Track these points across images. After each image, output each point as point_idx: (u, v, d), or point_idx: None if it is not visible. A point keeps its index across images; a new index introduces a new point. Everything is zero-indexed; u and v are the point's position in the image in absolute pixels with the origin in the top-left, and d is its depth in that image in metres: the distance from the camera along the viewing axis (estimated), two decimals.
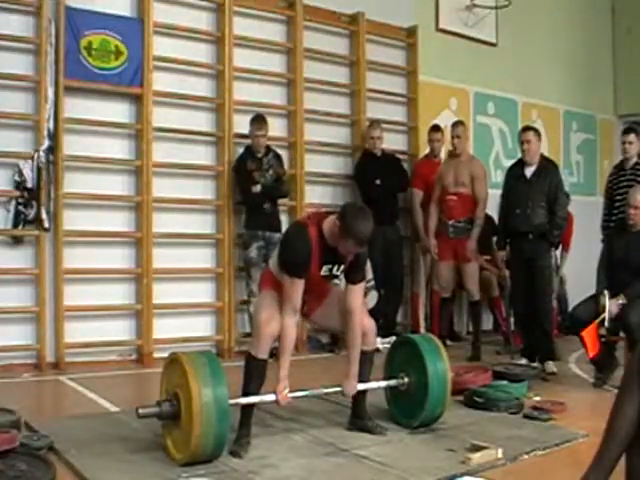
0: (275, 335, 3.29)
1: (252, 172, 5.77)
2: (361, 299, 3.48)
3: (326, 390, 3.50)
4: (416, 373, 3.60)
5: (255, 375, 3.29)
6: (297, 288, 3.25)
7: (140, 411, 3.02)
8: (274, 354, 3.39)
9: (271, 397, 3.28)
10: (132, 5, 5.71)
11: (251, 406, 3.30)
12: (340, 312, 3.47)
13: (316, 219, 3.34)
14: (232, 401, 3.10)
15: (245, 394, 3.28)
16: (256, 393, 3.29)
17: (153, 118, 5.66)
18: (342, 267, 3.36)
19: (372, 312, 5.70)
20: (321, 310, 3.57)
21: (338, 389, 3.48)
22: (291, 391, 3.32)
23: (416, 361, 3.60)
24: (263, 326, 3.27)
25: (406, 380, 3.64)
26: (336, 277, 3.41)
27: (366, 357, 3.52)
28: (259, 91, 6.26)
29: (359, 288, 3.44)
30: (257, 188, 5.74)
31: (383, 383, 3.70)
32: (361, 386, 3.50)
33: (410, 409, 3.62)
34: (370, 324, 3.52)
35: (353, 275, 3.40)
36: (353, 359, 3.46)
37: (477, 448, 3.12)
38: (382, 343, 6.19)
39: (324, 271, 3.32)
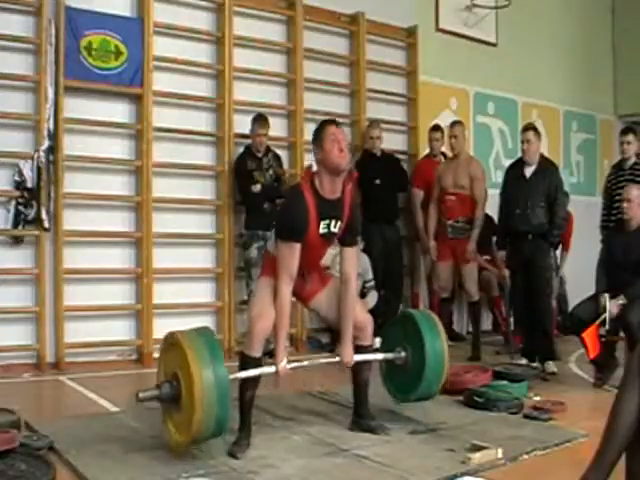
0: (267, 331, 3.27)
1: (252, 171, 5.78)
2: (355, 265, 3.48)
3: (324, 360, 3.47)
4: (414, 347, 3.60)
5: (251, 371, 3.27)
6: (294, 253, 3.22)
7: (140, 394, 3.01)
8: (273, 354, 3.38)
9: (271, 369, 3.26)
10: (132, 5, 5.71)
11: (249, 406, 3.29)
12: (338, 305, 3.46)
13: (308, 176, 3.34)
14: (232, 376, 3.09)
15: (242, 393, 3.27)
16: (253, 390, 3.27)
17: (153, 118, 5.66)
18: (339, 224, 3.33)
19: (372, 312, 5.73)
20: (321, 297, 3.53)
21: (336, 359, 3.45)
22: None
23: (414, 336, 3.60)
24: (254, 322, 3.27)
25: (403, 354, 3.64)
26: (334, 236, 3.36)
27: (363, 352, 3.52)
28: (259, 91, 6.25)
29: (353, 252, 3.46)
30: (257, 188, 5.74)
31: (380, 356, 3.72)
32: (358, 357, 3.49)
33: (407, 384, 3.63)
34: (367, 318, 3.53)
35: (348, 237, 3.42)
36: (346, 329, 3.44)
37: (477, 448, 3.12)
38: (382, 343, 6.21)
39: (322, 228, 3.29)
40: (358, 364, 3.53)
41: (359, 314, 3.50)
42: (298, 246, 3.24)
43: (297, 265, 3.26)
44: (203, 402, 2.86)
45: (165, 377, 3.10)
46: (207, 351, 2.96)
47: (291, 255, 3.23)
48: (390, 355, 3.68)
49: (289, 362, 3.33)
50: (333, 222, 3.32)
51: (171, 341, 3.10)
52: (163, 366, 3.16)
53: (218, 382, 2.91)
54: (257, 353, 3.28)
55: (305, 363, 3.47)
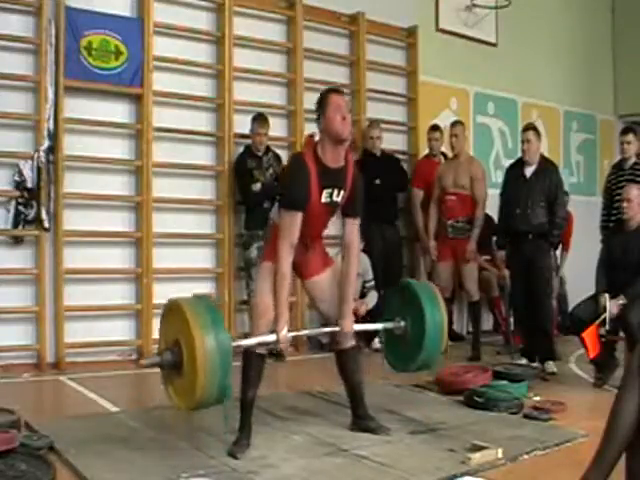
0: (271, 324, 3.27)
1: (252, 170, 5.78)
2: (357, 234, 3.48)
3: (325, 329, 3.44)
4: (413, 317, 3.60)
5: (254, 371, 3.28)
6: (296, 222, 3.21)
7: (143, 361, 3.01)
8: (273, 354, 3.38)
9: (272, 337, 3.23)
10: (132, 5, 5.71)
11: (250, 406, 3.29)
12: (332, 296, 3.46)
13: (310, 145, 3.34)
14: (234, 343, 3.09)
15: (244, 392, 3.26)
16: (255, 390, 3.27)
17: (153, 118, 5.66)
18: (342, 193, 3.32)
19: (372, 312, 5.75)
20: (318, 281, 3.50)
21: (336, 329, 3.43)
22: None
23: (413, 305, 3.60)
24: (259, 316, 3.27)
25: (402, 324, 3.64)
26: (337, 205, 3.34)
27: (348, 355, 3.51)
28: (259, 91, 6.25)
29: (356, 223, 3.45)
30: (257, 186, 5.74)
31: (380, 325, 3.73)
32: (357, 326, 3.49)
33: (406, 354, 3.63)
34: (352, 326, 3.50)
35: (350, 208, 3.41)
36: (346, 295, 3.43)
37: (477, 448, 3.12)
38: (382, 343, 6.21)
39: (325, 197, 3.28)
40: (345, 369, 3.53)
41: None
42: (300, 215, 3.22)
43: (298, 234, 3.24)
44: (205, 367, 2.83)
45: (166, 344, 3.07)
46: (208, 316, 2.94)
47: (293, 224, 3.21)
48: (390, 324, 3.67)
49: (289, 331, 3.30)
50: (336, 191, 3.31)
51: (172, 307, 3.07)
52: (164, 333, 3.13)
53: (220, 347, 2.88)
54: (261, 349, 3.29)
55: (305, 332, 3.47)
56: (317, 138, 3.32)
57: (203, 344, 2.84)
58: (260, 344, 3.27)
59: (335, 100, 3.28)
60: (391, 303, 3.81)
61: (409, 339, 3.63)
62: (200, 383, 2.84)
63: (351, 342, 3.53)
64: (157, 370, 3.17)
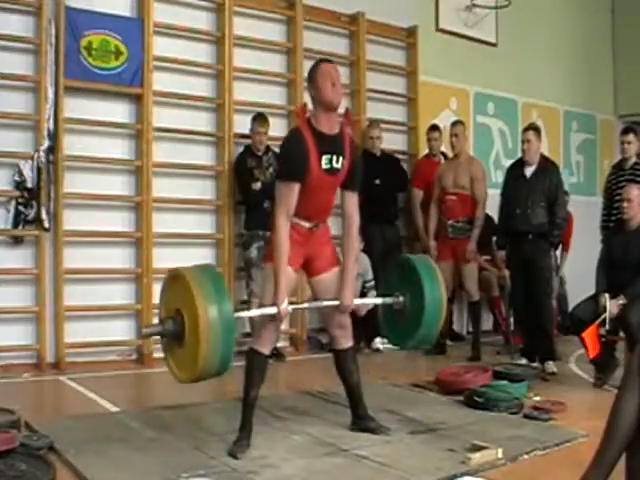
0: (279, 327, 3.26)
1: (252, 170, 5.78)
2: (357, 207, 3.48)
3: (326, 303, 3.42)
4: (412, 293, 3.58)
5: (257, 370, 3.27)
6: (293, 193, 3.20)
7: (144, 330, 2.99)
8: (274, 354, 3.38)
9: (272, 310, 3.21)
10: (132, 5, 5.71)
11: (252, 406, 3.29)
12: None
13: (303, 114, 3.39)
14: (236, 314, 3.08)
15: (247, 391, 3.26)
16: (257, 390, 3.27)
17: (153, 118, 5.66)
18: (341, 159, 3.31)
19: (372, 312, 5.75)
20: (323, 280, 3.47)
21: (336, 302, 3.40)
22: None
23: (412, 280, 3.58)
24: (272, 321, 3.24)
25: (401, 299, 3.62)
26: (338, 172, 3.32)
27: (346, 355, 3.51)
28: (259, 91, 6.26)
29: (355, 196, 3.46)
30: (257, 185, 5.75)
31: (379, 300, 3.72)
32: (357, 301, 3.48)
33: (405, 330, 3.61)
34: (348, 321, 3.50)
35: (350, 182, 3.41)
36: (347, 268, 3.42)
37: (477, 448, 3.12)
38: (382, 343, 6.22)
39: (325, 163, 3.26)
40: (344, 369, 3.52)
41: (343, 316, 3.47)
42: (297, 186, 3.21)
43: (295, 205, 3.22)
44: (208, 337, 2.82)
45: (167, 314, 3.05)
46: (212, 286, 2.92)
47: (290, 194, 3.20)
48: (389, 299, 3.65)
49: (290, 304, 3.28)
50: (335, 157, 3.29)
51: (175, 276, 3.05)
52: (165, 303, 3.11)
53: (223, 317, 2.87)
54: (267, 351, 3.29)
55: (305, 305, 3.45)
56: (310, 107, 3.35)
57: (206, 314, 2.83)
58: (261, 316, 3.25)
59: (325, 68, 3.31)
60: (390, 278, 3.77)
61: (408, 314, 3.59)
62: (202, 353, 2.82)
63: (349, 342, 3.53)
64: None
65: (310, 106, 3.36)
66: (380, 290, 3.79)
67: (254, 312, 3.22)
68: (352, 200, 3.45)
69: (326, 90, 3.24)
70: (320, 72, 3.29)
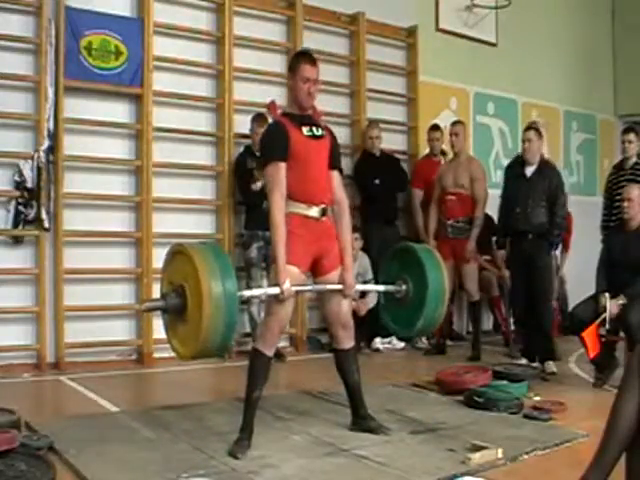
0: (285, 327, 3.26)
1: (252, 170, 5.78)
2: (344, 189, 3.55)
3: (329, 287, 3.40)
4: (414, 281, 3.56)
5: (261, 371, 3.27)
6: (281, 171, 3.26)
7: (145, 305, 2.98)
8: (274, 354, 3.38)
9: (275, 290, 3.19)
10: (132, 5, 5.71)
11: (254, 407, 3.28)
12: (336, 298, 3.44)
13: (275, 111, 3.56)
14: (239, 293, 3.08)
15: (250, 391, 3.25)
16: (260, 390, 3.26)
17: (153, 118, 5.66)
18: (320, 130, 3.41)
19: (372, 312, 5.75)
20: (329, 279, 3.43)
21: (340, 286, 3.40)
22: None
23: (414, 268, 3.56)
24: (273, 320, 3.24)
25: (404, 287, 3.61)
26: (323, 139, 3.40)
27: (347, 355, 3.51)
28: (259, 91, 6.25)
29: (339, 176, 3.53)
30: (257, 185, 5.73)
31: (381, 287, 3.70)
32: (360, 286, 3.48)
33: (407, 318, 3.61)
34: (351, 322, 3.51)
35: (333, 158, 3.47)
36: (346, 254, 3.43)
37: (477, 448, 3.12)
38: (382, 343, 6.23)
39: (306, 131, 3.35)
40: (344, 369, 3.52)
41: (346, 314, 3.47)
42: (284, 165, 3.26)
43: (285, 183, 3.25)
44: (211, 312, 2.81)
45: (170, 288, 3.03)
46: (216, 262, 2.91)
47: (278, 173, 3.25)
48: (391, 287, 3.64)
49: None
50: (314, 128, 3.39)
51: (179, 251, 3.03)
52: (168, 276, 3.09)
53: (227, 292, 2.86)
54: (271, 352, 3.29)
55: (309, 287, 3.43)
56: (278, 105, 3.56)
57: (210, 288, 2.81)
58: (265, 295, 3.26)
59: (305, 72, 3.39)
60: (392, 266, 3.75)
61: (409, 303, 3.58)
62: (205, 328, 2.81)
63: (351, 343, 3.53)
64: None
65: (278, 102, 3.47)
66: (380, 279, 3.76)
67: (258, 291, 3.22)
68: (338, 180, 3.50)
69: (302, 94, 3.40)
70: (300, 75, 3.39)
